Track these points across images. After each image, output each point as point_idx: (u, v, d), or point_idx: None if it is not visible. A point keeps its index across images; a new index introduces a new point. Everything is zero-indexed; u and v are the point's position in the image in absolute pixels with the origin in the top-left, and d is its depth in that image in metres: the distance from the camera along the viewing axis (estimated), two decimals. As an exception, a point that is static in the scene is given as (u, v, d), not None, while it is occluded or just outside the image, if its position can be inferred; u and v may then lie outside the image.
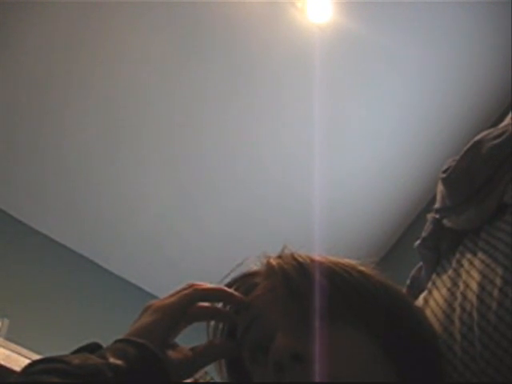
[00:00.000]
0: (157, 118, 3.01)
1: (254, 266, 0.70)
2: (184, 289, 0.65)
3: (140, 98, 2.95)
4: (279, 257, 0.68)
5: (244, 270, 0.70)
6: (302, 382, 0.55)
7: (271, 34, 2.79)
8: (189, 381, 0.67)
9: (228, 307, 0.67)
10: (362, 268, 0.67)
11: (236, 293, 0.65)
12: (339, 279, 0.63)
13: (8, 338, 2.39)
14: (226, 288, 0.66)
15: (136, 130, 3.03)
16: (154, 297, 3.45)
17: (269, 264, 0.66)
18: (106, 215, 3.25)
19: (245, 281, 0.68)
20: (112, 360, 0.57)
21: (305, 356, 0.55)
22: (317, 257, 0.67)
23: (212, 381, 0.69)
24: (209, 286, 0.65)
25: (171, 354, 0.63)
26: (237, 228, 3.32)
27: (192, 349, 0.65)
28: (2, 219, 3.14)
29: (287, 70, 2.89)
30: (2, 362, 2.13)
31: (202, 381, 0.66)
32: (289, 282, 0.61)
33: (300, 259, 0.65)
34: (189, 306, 0.64)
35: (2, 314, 2.58)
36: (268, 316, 0.61)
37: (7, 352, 2.19)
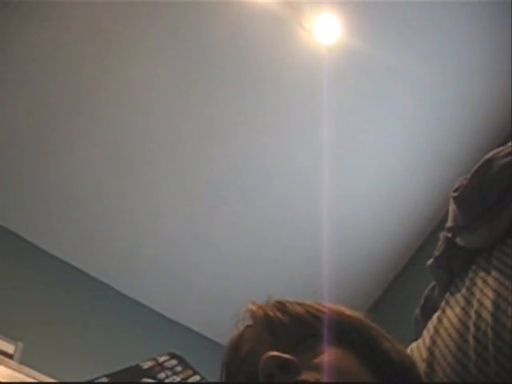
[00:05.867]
0: (166, 141, 3.03)
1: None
2: None
3: (149, 122, 2.97)
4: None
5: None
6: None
7: (280, 55, 2.82)
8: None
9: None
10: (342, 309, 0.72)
11: None
12: (318, 314, 0.68)
13: (22, 362, 2.39)
14: None
15: (145, 155, 3.05)
16: (166, 319, 3.44)
17: (251, 311, 0.71)
18: (118, 239, 3.26)
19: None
20: None
21: (292, 365, 0.59)
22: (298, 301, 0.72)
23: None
24: None
25: None
26: (249, 249, 3.31)
27: None
28: (17, 243, 3.16)
29: (296, 90, 2.91)
30: (16, 387, 2.12)
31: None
32: (270, 319, 0.67)
33: (281, 300, 0.71)
34: None
35: (16, 337, 2.58)
36: (257, 351, 0.65)
37: (21, 376, 2.19)
